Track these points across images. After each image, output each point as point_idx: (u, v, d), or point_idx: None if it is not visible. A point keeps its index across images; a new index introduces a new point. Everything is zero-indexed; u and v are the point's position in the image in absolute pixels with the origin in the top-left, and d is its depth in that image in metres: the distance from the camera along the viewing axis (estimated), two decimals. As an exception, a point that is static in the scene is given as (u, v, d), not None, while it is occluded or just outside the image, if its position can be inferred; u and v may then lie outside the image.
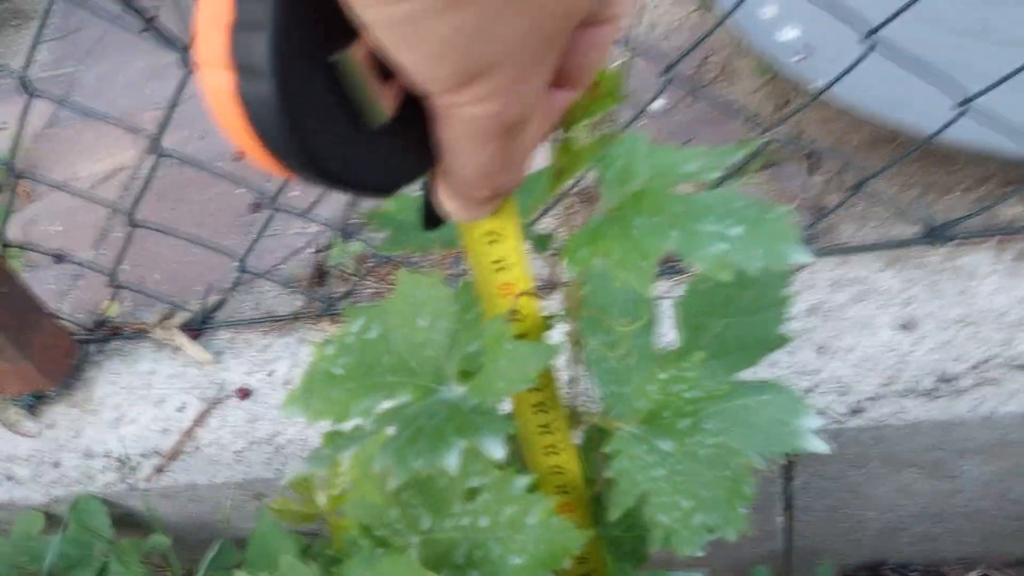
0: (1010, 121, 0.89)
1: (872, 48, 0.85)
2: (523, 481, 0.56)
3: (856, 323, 0.99)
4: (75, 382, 1.20)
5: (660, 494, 0.50)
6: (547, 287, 1.02)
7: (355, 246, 1.29)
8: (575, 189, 1.23)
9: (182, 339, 1.21)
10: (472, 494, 0.58)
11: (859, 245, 1.06)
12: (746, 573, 1.13)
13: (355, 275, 1.26)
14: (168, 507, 1.10)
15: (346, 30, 0.31)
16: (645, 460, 0.50)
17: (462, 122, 0.34)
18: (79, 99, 1.82)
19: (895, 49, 0.84)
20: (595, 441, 0.67)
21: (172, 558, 1.12)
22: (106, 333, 1.26)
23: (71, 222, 1.55)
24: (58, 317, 1.20)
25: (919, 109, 1.00)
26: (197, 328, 1.22)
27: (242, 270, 1.18)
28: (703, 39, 0.92)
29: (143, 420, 1.13)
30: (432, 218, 0.44)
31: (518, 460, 0.61)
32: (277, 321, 1.21)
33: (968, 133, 0.91)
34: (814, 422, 0.63)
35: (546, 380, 0.53)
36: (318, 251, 1.33)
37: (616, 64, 0.46)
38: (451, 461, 0.43)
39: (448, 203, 0.41)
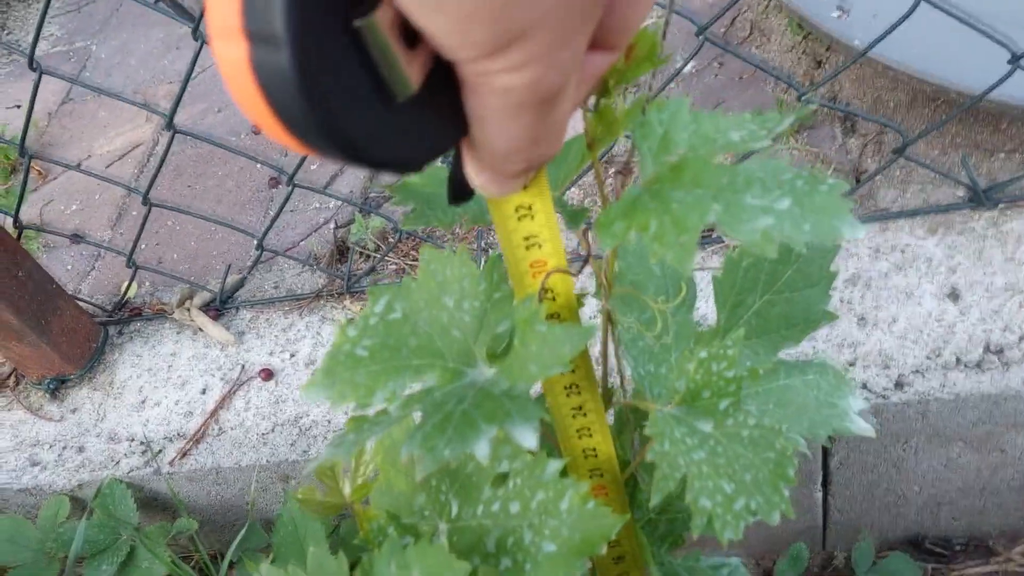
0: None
1: (918, 2, 0.80)
2: (555, 465, 0.53)
3: (898, 293, 0.95)
4: (97, 365, 1.18)
5: (701, 477, 0.47)
6: (578, 264, 0.99)
7: (376, 222, 1.26)
8: (604, 158, 1.19)
9: (203, 320, 1.19)
10: (502, 479, 0.56)
11: (900, 211, 1.02)
12: (784, 549, 1.10)
13: (376, 251, 1.24)
14: (193, 490, 1.09)
15: None
16: (685, 443, 0.47)
17: (494, 92, 0.30)
18: (93, 74, 1.81)
19: (942, 3, 0.79)
20: (626, 422, 0.64)
21: (199, 541, 1.11)
22: (126, 315, 1.24)
23: (88, 201, 1.53)
24: (78, 300, 1.19)
25: (965, 67, 0.95)
26: (218, 308, 1.21)
27: (261, 248, 1.15)
28: (735, -2, 0.87)
29: (166, 403, 1.11)
30: (459, 192, 0.41)
31: (549, 442, 0.59)
32: (299, 300, 1.19)
33: (1019, 90, 0.87)
34: (860, 403, 0.60)
35: (580, 361, 0.50)
36: (338, 227, 1.31)
37: (651, 24, 0.43)
38: (482, 449, 0.40)
39: (477, 177, 0.38)
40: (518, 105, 0.31)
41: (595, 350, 0.74)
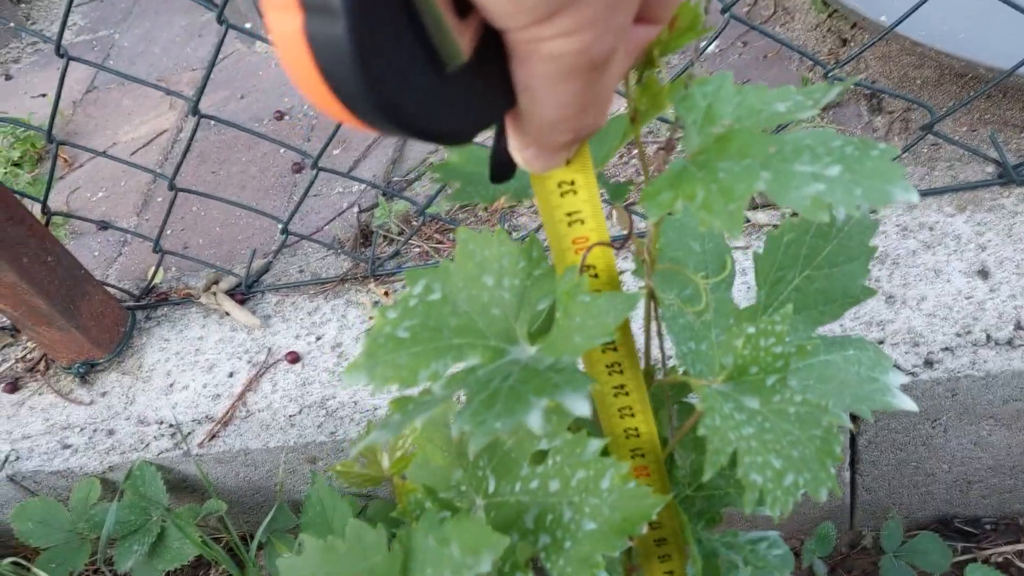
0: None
1: (948, -24, 0.79)
2: (596, 444, 0.53)
3: (927, 271, 0.95)
4: (126, 350, 1.19)
5: (751, 453, 0.47)
6: (618, 242, 0.98)
7: (399, 205, 1.26)
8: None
9: (229, 304, 1.19)
10: (541, 457, 0.56)
11: (928, 189, 1.01)
12: (811, 529, 1.10)
13: (400, 235, 1.24)
14: (222, 472, 1.10)
15: None
16: (734, 418, 0.47)
17: (544, 59, 0.30)
18: (117, 63, 1.81)
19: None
20: (663, 400, 0.64)
21: (228, 522, 1.12)
22: (154, 300, 1.25)
23: (113, 188, 1.54)
24: (106, 285, 1.20)
25: (994, 42, 0.94)
26: (244, 293, 1.21)
27: (286, 232, 1.16)
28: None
29: (194, 386, 1.12)
30: (502, 169, 0.41)
31: (589, 422, 0.59)
32: (323, 284, 1.19)
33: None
34: (900, 378, 0.60)
35: (622, 339, 0.50)
36: (361, 211, 1.31)
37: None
38: (535, 420, 0.40)
39: (522, 151, 0.38)
40: (568, 72, 0.31)
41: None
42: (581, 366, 0.53)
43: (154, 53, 1.85)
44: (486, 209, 1.23)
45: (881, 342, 0.91)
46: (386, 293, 1.15)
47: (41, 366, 1.21)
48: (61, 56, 0.95)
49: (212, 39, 1.75)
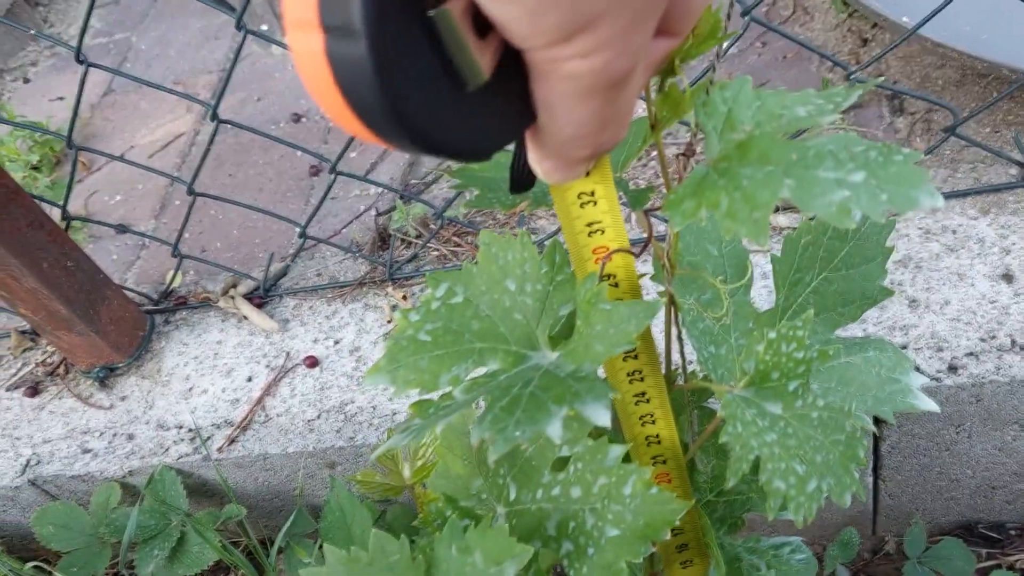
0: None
1: (972, -24, 0.78)
2: (618, 450, 0.53)
3: (951, 274, 0.94)
4: (144, 354, 1.20)
5: (774, 459, 0.46)
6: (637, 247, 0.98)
7: (417, 209, 1.26)
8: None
9: (247, 308, 1.20)
10: (562, 464, 0.56)
11: (951, 191, 1.00)
12: (834, 534, 1.09)
13: (418, 239, 1.24)
14: (241, 477, 1.10)
15: None
16: (756, 424, 0.47)
17: (564, 78, 0.31)
18: (134, 66, 1.82)
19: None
20: (684, 405, 0.64)
21: (247, 527, 1.12)
22: (172, 304, 1.25)
23: (131, 192, 1.55)
24: (125, 289, 1.20)
25: (1017, 43, 0.93)
26: (262, 296, 1.21)
27: (304, 236, 1.16)
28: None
29: (213, 390, 1.12)
30: (521, 180, 0.41)
31: (608, 429, 0.58)
32: (341, 287, 1.19)
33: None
34: (921, 379, 0.59)
35: (643, 346, 0.50)
36: (379, 215, 1.31)
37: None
38: (554, 430, 0.40)
39: (541, 164, 0.38)
40: (587, 91, 0.31)
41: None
42: (602, 373, 0.53)
43: (170, 56, 1.86)
44: (504, 212, 1.23)
45: (904, 347, 0.90)
46: (404, 297, 1.15)
47: (61, 370, 1.21)
48: (81, 63, 0.96)
49: (228, 42, 1.75)
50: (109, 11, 2.07)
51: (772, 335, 0.48)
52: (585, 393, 0.42)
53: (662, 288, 0.52)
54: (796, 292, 0.61)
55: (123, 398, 1.16)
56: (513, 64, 0.31)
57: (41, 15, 2.18)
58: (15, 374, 1.24)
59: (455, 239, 1.22)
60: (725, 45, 0.95)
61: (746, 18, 0.87)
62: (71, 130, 1.05)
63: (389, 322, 1.13)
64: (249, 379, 1.12)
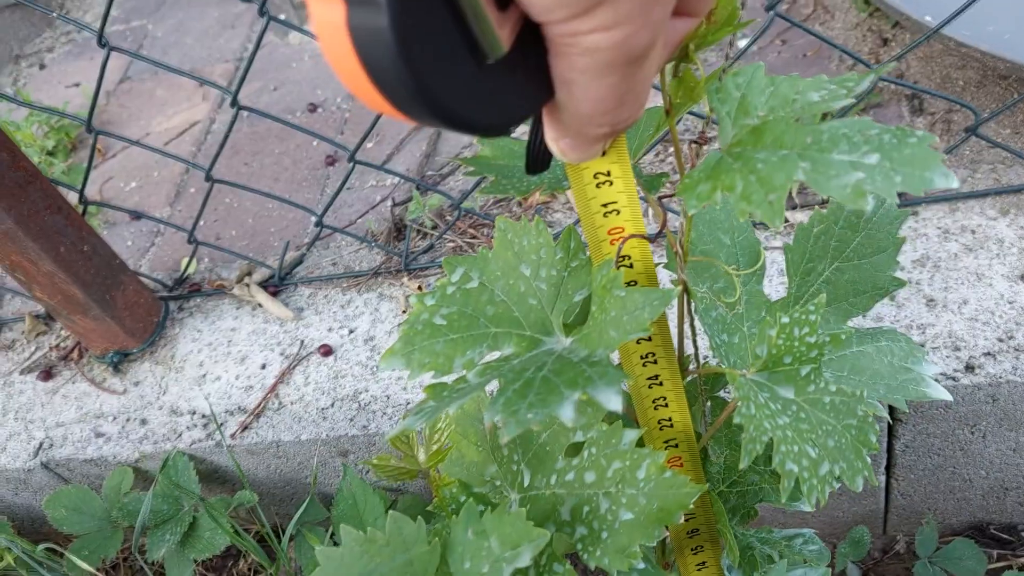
0: None
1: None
2: (632, 435, 0.53)
3: (969, 274, 0.93)
4: (158, 340, 1.20)
5: (787, 442, 0.46)
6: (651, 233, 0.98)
7: (433, 200, 1.26)
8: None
9: (262, 296, 1.20)
10: (576, 449, 0.56)
11: (970, 192, 1.00)
12: (845, 533, 1.08)
13: (434, 229, 1.24)
14: (253, 463, 1.10)
15: None
16: (769, 408, 0.47)
17: (583, 53, 0.31)
18: (150, 53, 1.83)
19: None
20: (697, 393, 0.64)
21: (259, 513, 1.13)
22: (187, 291, 1.26)
23: (146, 179, 1.55)
24: (139, 275, 1.21)
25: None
26: (276, 285, 1.22)
27: (320, 225, 1.16)
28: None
29: (227, 377, 1.13)
30: (538, 159, 0.41)
31: (623, 414, 0.58)
32: (356, 277, 1.20)
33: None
34: (934, 368, 0.59)
35: (657, 330, 0.50)
36: (395, 205, 1.31)
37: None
38: (567, 413, 0.40)
39: (559, 142, 0.38)
40: (606, 65, 0.31)
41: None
42: (616, 358, 0.53)
43: (187, 44, 1.87)
44: (520, 204, 1.23)
45: (922, 345, 0.90)
46: (419, 287, 1.15)
47: (75, 354, 1.22)
48: (103, 47, 0.96)
49: (245, 31, 1.76)
50: (129, -2, 2.08)
51: (785, 320, 0.48)
52: (598, 378, 0.42)
53: (674, 277, 0.52)
54: (808, 281, 0.61)
55: (136, 383, 1.16)
56: (532, 39, 0.31)
57: (57, 1, 2.19)
58: (29, 358, 1.25)
59: (471, 231, 1.22)
60: (743, 44, 0.95)
61: (770, 12, 0.87)
62: (91, 113, 1.06)
63: (404, 312, 1.13)
64: (263, 366, 1.13)
